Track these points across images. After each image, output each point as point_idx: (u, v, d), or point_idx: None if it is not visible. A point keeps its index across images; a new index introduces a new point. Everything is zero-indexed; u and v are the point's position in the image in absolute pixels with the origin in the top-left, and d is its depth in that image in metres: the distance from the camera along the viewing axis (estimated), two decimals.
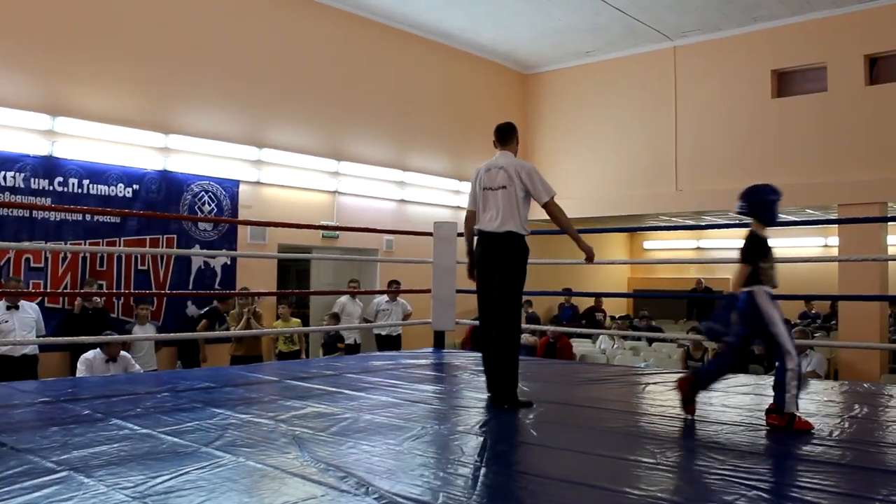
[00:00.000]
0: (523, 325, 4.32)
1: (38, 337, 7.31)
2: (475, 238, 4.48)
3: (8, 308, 7.26)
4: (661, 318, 14.58)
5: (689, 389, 3.87)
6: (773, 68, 11.76)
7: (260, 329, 8.83)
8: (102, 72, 8.61)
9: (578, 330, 11.00)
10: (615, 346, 10.78)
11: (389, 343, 10.10)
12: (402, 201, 11.92)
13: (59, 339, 7.10)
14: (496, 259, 4.28)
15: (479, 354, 4.60)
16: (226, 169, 9.60)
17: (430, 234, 7.04)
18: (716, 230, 16.52)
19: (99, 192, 8.41)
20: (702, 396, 4.70)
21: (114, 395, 4.50)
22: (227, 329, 8.81)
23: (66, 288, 8.13)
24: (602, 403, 4.43)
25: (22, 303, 7.39)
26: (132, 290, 8.69)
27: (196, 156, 9.30)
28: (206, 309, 9.04)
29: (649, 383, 5.26)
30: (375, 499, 2.45)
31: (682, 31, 12.22)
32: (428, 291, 7.06)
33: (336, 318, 9.67)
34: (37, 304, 7.73)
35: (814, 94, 11.41)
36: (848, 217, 10.43)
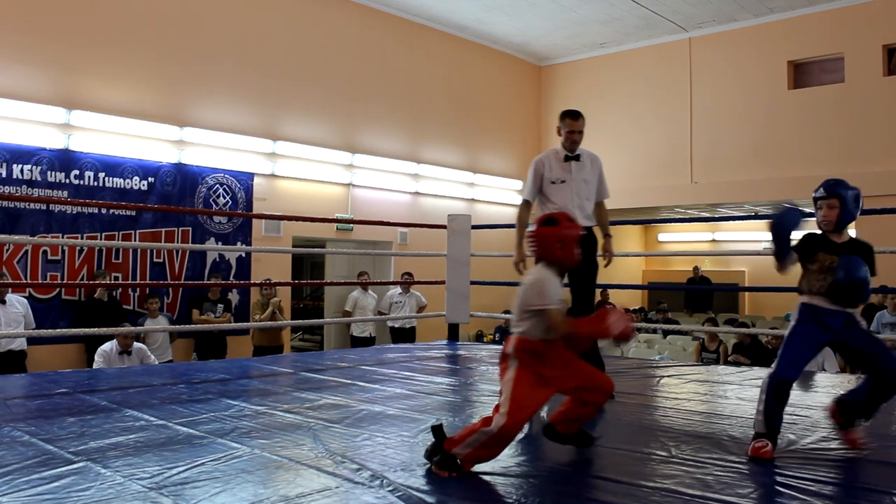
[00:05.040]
0: None
1: (26, 331, 7.03)
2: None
3: None
4: (676, 311, 14.51)
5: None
6: (789, 59, 11.65)
7: (282, 321, 9.04)
8: (118, 65, 8.65)
9: None
10: None
11: (403, 336, 10.10)
12: (417, 194, 11.91)
13: (49, 331, 6.44)
14: None
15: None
16: (240, 162, 9.63)
17: (444, 226, 7.05)
18: (731, 222, 16.40)
19: (115, 185, 8.46)
20: (716, 390, 4.69)
21: (130, 386, 4.53)
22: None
23: (82, 280, 8.18)
24: (616, 396, 4.42)
25: (9, 296, 7.10)
26: (147, 282, 8.74)
27: (211, 149, 9.34)
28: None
29: (664, 376, 5.24)
30: (390, 491, 2.46)
31: (698, 23, 12.13)
32: (442, 283, 7.07)
33: (349, 315, 9.82)
34: (53, 295, 7.78)
35: (831, 85, 11.30)
36: (866, 209, 10.29)
